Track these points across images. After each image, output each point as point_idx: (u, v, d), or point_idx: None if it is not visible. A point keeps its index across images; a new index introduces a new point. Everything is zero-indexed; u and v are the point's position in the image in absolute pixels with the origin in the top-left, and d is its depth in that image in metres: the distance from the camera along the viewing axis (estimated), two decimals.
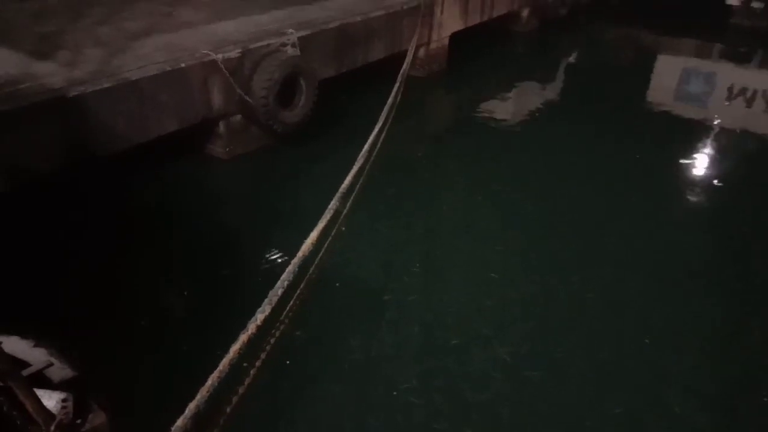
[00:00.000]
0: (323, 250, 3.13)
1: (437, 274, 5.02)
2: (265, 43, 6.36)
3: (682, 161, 7.38)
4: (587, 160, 7.19)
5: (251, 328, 2.13)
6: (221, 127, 6.34)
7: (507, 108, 9.19)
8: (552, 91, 10.06)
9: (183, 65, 5.63)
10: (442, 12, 9.14)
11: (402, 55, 7.76)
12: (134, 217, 5.43)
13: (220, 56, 5.88)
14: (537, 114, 8.86)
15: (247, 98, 6.11)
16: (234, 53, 6.06)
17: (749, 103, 9.71)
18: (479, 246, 5.41)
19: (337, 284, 4.72)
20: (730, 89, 10.27)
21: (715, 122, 8.66)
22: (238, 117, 6.39)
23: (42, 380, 2.51)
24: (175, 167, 6.24)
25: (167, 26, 6.67)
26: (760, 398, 3.91)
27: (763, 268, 5.29)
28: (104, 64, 5.45)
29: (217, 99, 6.03)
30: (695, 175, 7.10)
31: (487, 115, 8.68)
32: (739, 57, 12.52)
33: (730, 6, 13.39)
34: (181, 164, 6.33)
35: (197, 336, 4.10)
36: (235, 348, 2.07)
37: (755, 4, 13.06)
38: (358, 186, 3.90)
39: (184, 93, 5.70)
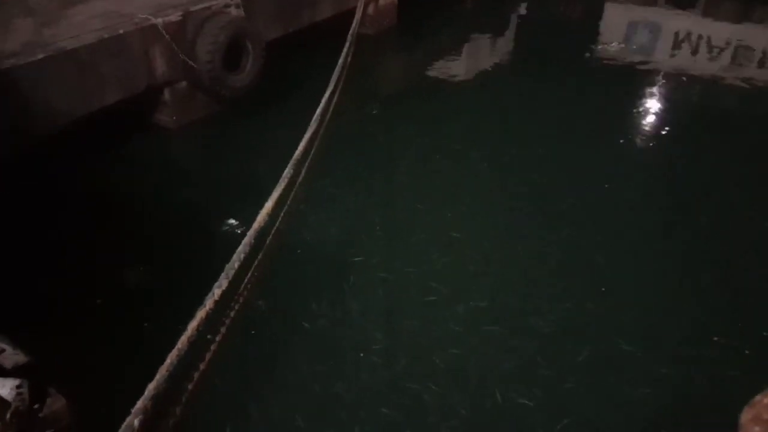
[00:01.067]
0: (280, 219, 3.08)
1: (398, 237, 5.03)
2: (207, 4, 6.11)
3: (631, 112, 7.53)
4: (541, 116, 7.23)
5: (209, 303, 2.09)
6: (166, 94, 6.12)
7: (460, 65, 9.14)
8: (504, 47, 10.03)
9: (121, 31, 5.38)
10: None
11: (351, 13, 7.57)
12: (83, 195, 5.24)
13: (160, 20, 5.64)
14: (490, 70, 8.86)
15: (191, 63, 5.90)
16: (175, 17, 5.81)
17: (695, 49, 9.92)
18: (439, 207, 5.42)
19: (297, 252, 4.69)
20: (675, 36, 10.45)
21: (663, 71, 8.82)
22: (184, 84, 6.17)
23: None
24: (121, 140, 6.02)
25: None
26: (711, 339, 4.09)
27: (706, 212, 5.48)
28: (36, 35, 5.16)
29: (160, 65, 5.80)
30: (645, 126, 7.25)
31: (440, 73, 8.62)
32: (682, 4, 12.67)
33: None
34: (128, 136, 6.11)
35: (155, 315, 4.03)
36: (193, 325, 2.03)
37: None
38: (312, 152, 3.82)
39: (125, 61, 5.46)
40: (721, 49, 9.85)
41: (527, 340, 4.02)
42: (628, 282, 4.60)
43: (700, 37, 10.29)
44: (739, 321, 4.22)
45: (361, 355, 3.88)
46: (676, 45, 10.17)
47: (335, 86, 4.90)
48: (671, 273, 4.72)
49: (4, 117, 4.63)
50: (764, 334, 4.11)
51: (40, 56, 4.78)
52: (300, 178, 3.47)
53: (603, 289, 4.49)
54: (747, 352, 3.95)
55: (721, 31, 10.71)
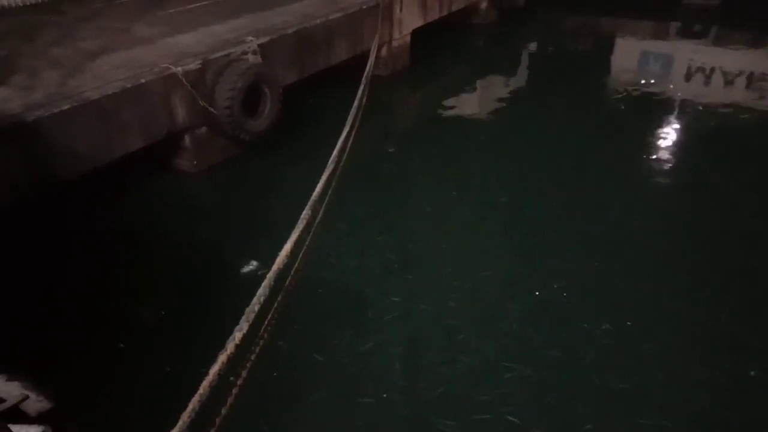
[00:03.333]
0: (299, 260, 3.09)
1: (416, 274, 5.02)
2: (225, 52, 6.29)
3: (646, 143, 7.50)
4: (556, 149, 7.26)
5: (230, 347, 2.09)
6: (187, 140, 6.25)
7: (473, 102, 9.24)
8: (516, 82, 10.13)
9: (143, 81, 5.54)
10: (401, 9, 9.14)
11: (365, 55, 7.74)
12: (105, 241, 5.32)
13: (179, 69, 5.80)
14: (503, 106, 8.92)
15: (211, 109, 6.03)
16: (194, 65, 5.98)
17: (707, 79, 9.93)
18: (457, 243, 5.42)
19: (317, 292, 4.70)
20: (688, 68, 10.51)
21: (677, 101, 8.82)
22: (204, 129, 6.31)
23: (18, 415, 2.44)
24: (143, 185, 6.15)
25: (124, 43, 6.55)
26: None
27: (722, 240, 5.41)
28: (62, 86, 5.34)
29: (180, 112, 5.94)
30: (661, 156, 7.21)
31: (454, 110, 8.71)
32: (693, 35, 12.79)
33: None
34: (150, 182, 6.23)
35: (176, 359, 4.03)
36: (214, 369, 2.03)
37: None
38: (330, 192, 3.86)
39: (146, 109, 5.61)
40: (735, 77, 9.86)
41: (546, 380, 3.95)
42: (647, 314, 4.52)
43: (713, 67, 10.32)
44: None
45: (384, 395, 3.84)
46: (689, 75, 10.21)
47: (351, 127, 4.98)
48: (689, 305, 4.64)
49: (30, 165, 4.77)
50: None
51: (65, 107, 4.93)
52: (318, 219, 3.49)
53: (629, 323, 4.42)
54: None
55: (734, 59, 10.75)
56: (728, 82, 9.77)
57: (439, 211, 5.98)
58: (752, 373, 3.97)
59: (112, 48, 6.36)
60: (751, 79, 9.82)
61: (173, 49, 6.39)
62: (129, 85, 5.43)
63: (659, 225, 5.71)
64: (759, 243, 5.40)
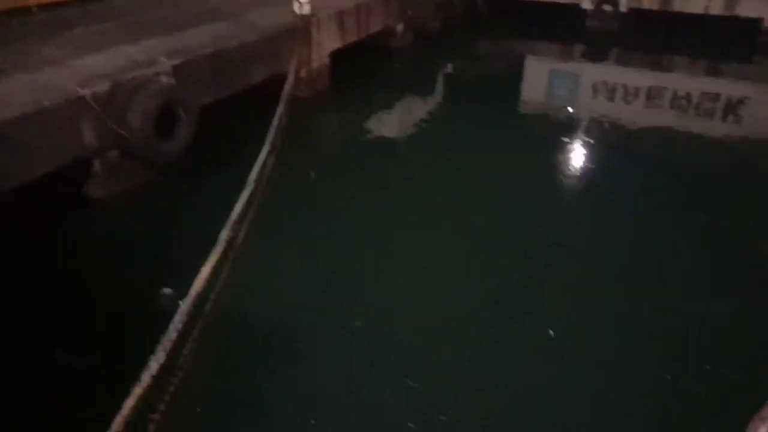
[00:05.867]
0: (219, 285, 3.00)
1: (341, 298, 4.95)
2: (137, 74, 6.07)
3: (555, 154, 7.92)
4: (472, 167, 7.46)
5: (145, 379, 1.99)
6: (96, 165, 5.96)
7: (392, 123, 9.38)
8: (433, 103, 10.37)
9: (47, 104, 5.24)
10: (319, 31, 9.17)
11: (284, 77, 7.71)
12: (11, 274, 4.95)
13: (88, 91, 5.54)
14: (421, 126, 9.09)
15: (122, 132, 5.79)
16: (104, 87, 5.73)
17: (611, 96, 10.64)
18: (379, 263, 5.42)
19: (238, 318, 4.52)
20: (593, 85, 11.24)
21: (584, 116, 9.35)
22: (115, 153, 6.03)
23: None
24: (50, 213, 5.78)
25: (28, 65, 6.18)
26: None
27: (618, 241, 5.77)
28: None
29: (89, 136, 5.66)
30: (567, 172, 7.63)
31: (374, 130, 8.80)
32: (597, 56, 13.64)
33: (585, 10, 14.52)
34: (57, 209, 5.87)
35: (90, 395, 3.76)
36: (129, 404, 1.92)
37: (606, 8, 14.23)
38: (250, 214, 3.78)
39: (52, 133, 5.30)
40: (635, 94, 10.61)
41: (478, 395, 4.00)
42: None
43: (615, 84, 11.08)
44: None
45: (313, 422, 3.74)
46: (595, 92, 10.90)
47: (270, 148, 4.93)
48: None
49: None
50: None
51: None
52: (238, 241, 3.41)
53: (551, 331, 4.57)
54: None
55: (634, 78, 11.57)
56: (629, 98, 10.49)
57: (362, 231, 5.97)
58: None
59: (15, 70, 5.98)
60: (649, 95, 10.59)
61: (82, 70, 6.08)
62: (31, 109, 5.12)
63: (567, 232, 6.01)
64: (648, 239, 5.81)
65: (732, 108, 10.26)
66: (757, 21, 13.21)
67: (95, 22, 7.73)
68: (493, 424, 3.79)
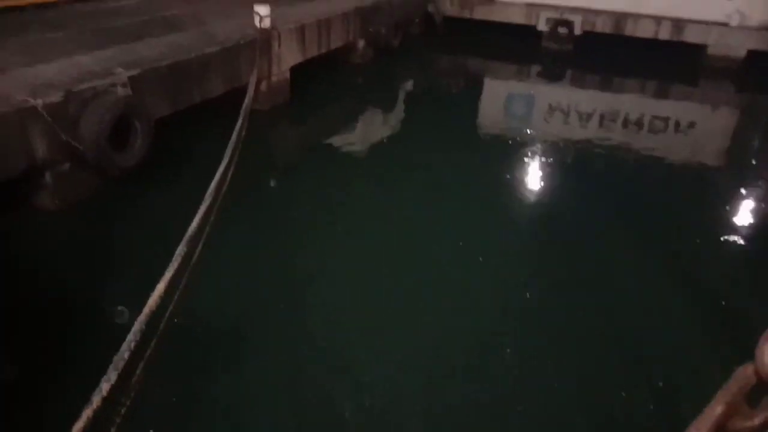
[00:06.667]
0: (174, 302, 2.93)
1: (302, 312, 4.89)
2: (91, 84, 5.93)
3: (508, 175, 8.08)
4: (429, 180, 7.55)
5: (96, 401, 1.92)
6: (47, 177, 5.77)
7: (351, 137, 9.42)
8: (393, 119, 10.47)
9: None
10: (279, 45, 9.15)
11: (244, 90, 7.65)
12: None
13: (39, 101, 5.37)
14: (380, 142, 9.16)
15: (75, 144, 5.63)
16: (56, 97, 5.57)
17: (566, 117, 10.95)
18: (341, 275, 5.40)
19: (193, 336, 4.42)
20: (549, 106, 11.57)
21: (539, 137, 9.59)
22: (67, 165, 5.86)
23: None
24: None
25: None
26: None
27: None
28: None
29: (40, 147, 5.48)
30: (523, 190, 7.79)
31: (334, 145, 8.82)
32: (552, 77, 14.06)
33: (541, 31, 14.96)
34: (4, 222, 5.66)
35: (38, 419, 3.61)
36: (78, 426, 1.85)
37: (561, 30, 14.70)
38: (207, 228, 3.73)
39: None
40: (589, 116, 10.96)
41: (434, 404, 4.02)
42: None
43: (569, 105, 11.45)
44: None
45: None
46: (550, 113, 11.21)
47: (229, 161, 4.88)
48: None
49: None
50: None
51: None
52: (195, 257, 3.35)
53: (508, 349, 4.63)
54: None
55: (587, 99, 11.97)
56: (583, 119, 10.82)
57: (320, 244, 5.94)
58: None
59: None
60: (602, 117, 10.96)
61: (33, 79, 5.91)
62: None
63: (514, 241, 6.17)
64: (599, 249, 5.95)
65: (678, 129, 10.73)
66: (702, 47, 13.88)
67: (51, 30, 7.54)
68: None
